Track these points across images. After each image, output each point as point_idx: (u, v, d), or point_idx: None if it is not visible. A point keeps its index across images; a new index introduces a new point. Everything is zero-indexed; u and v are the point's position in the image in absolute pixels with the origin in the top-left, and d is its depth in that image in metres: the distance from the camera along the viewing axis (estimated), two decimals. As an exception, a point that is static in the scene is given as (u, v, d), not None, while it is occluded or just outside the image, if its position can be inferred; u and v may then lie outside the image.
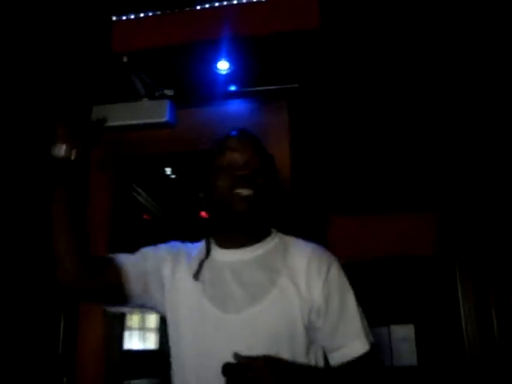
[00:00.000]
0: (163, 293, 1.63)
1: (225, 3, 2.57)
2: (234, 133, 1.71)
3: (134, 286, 1.60)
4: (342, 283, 1.55)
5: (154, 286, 1.63)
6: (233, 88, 3.03)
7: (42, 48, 2.80)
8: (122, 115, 2.77)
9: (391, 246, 2.74)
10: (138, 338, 5.61)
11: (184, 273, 1.61)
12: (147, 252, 1.69)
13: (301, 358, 1.48)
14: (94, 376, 2.90)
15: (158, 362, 5.10)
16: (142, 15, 2.68)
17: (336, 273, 1.55)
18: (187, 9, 2.62)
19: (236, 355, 1.37)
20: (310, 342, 1.51)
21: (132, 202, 3.81)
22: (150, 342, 5.63)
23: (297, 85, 2.93)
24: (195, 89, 3.00)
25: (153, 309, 1.71)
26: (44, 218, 2.87)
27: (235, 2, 2.56)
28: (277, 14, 2.50)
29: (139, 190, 4.25)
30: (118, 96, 2.87)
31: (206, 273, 1.58)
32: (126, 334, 5.35)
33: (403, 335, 2.68)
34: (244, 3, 2.55)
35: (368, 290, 2.64)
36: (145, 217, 5.08)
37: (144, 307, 1.71)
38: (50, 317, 2.92)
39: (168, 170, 4.27)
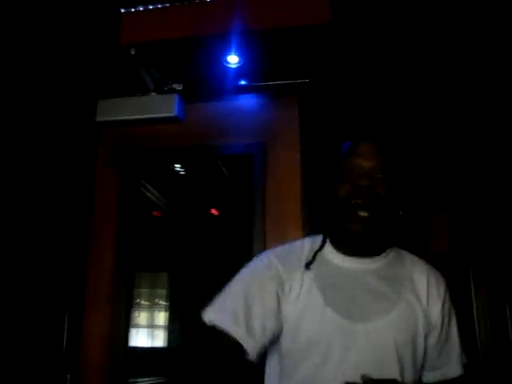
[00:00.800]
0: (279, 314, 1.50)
1: (235, -4, 2.53)
2: (362, 137, 1.59)
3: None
4: (451, 304, 1.59)
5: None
6: (242, 82, 2.97)
7: (49, 41, 2.76)
8: (131, 109, 2.75)
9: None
10: (147, 336, 5.59)
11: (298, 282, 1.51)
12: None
13: (419, 373, 1.50)
14: (98, 373, 2.87)
15: (166, 359, 5.08)
16: (150, 7, 2.64)
17: (448, 295, 1.59)
18: (197, 1, 2.58)
19: (363, 377, 1.35)
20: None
21: (141, 198, 3.78)
22: (159, 340, 5.61)
23: (308, 80, 2.87)
24: (204, 83, 2.96)
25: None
26: (45, 216, 2.87)
27: (246, -5, 2.52)
28: (288, 8, 2.46)
29: (148, 186, 4.22)
30: (127, 90, 2.83)
31: (325, 276, 1.52)
32: (134, 332, 5.34)
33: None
34: (255, -4, 2.50)
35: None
36: (155, 214, 5.06)
37: None
38: (55, 313, 2.91)
39: (177, 166, 4.24)
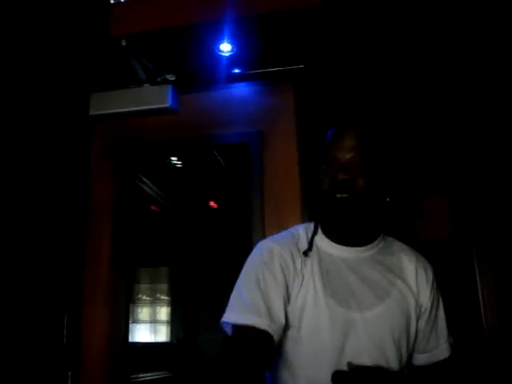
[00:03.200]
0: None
1: (226, -18, 2.48)
2: (341, 128, 1.57)
3: None
4: (438, 290, 1.64)
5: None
6: (236, 71, 2.94)
7: (39, 35, 2.73)
8: (124, 102, 2.73)
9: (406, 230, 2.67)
10: (150, 331, 5.58)
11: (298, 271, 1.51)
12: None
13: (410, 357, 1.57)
14: (99, 369, 2.85)
15: (169, 354, 5.07)
16: (140, -3, 2.60)
17: (435, 280, 1.64)
18: (187, -11, 2.54)
19: (349, 364, 1.39)
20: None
21: (137, 192, 3.75)
22: (161, 335, 5.60)
23: (302, 65, 2.84)
24: (198, 73, 2.93)
25: None
26: (40, 213, 2.84)
27: (237, -19, 2.48)
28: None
29: (145, 180, 4.19)
30: (119, 82, 2.81)
31: (321, 265, 1.53)
32: (137, 327, 5.33)
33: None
34: (245, -19, 2.46)
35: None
36: (152, 208, 5.04)
37: None
38: (54, 311, 2.89)
39: (174, 159, 4.21)
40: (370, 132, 1.55)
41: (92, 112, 2.74)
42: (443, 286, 2.56)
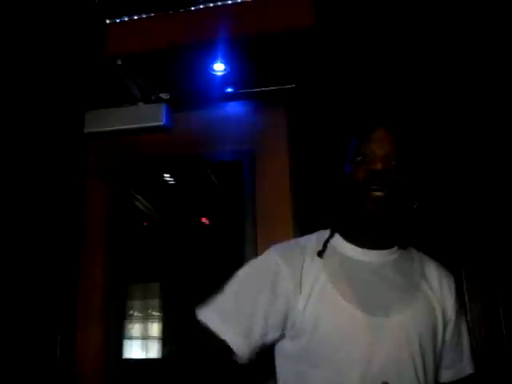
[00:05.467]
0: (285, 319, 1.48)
1: (219, 3, 2.53)
2: (377, 124, 1.60)
3: None
4: (461, 304, 1.62)
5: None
6: (229, 90, 2.97)
7: (35, 53, 2.76)
8: (118, 120, 2.75)
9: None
10: (141, 347, 5.55)
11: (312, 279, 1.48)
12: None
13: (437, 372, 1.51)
14: (92, 385, 2.84)
15: (161, 370, 5.05)
16: (135, 17, 2.64)
17: (457, 294, 1.61)
18: (181, 10, 2.58)
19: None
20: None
21: (131, 208, 3.76)
22: (153, 351, 5.57)
23: (294, 85, 2.88)
24: (191, 91, 2.96)
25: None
26: (34, 229, 2.85)
27: (230, 3, 2.52)
28: (271, 13, 2.45)
29: (138, 197, 4.21)
30: (114, 100, 2.84)
31: (339, 269, 1.50)
32: (128, 343, 5.30)
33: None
34: (238, 3, 2.51)
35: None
36: (145, 224, 5.05)
37: None
38: (47, 328, 2.88)
39: (167, 176, 4.23)
40: (404, 131, 1.59)
41: (87, 129, 2.76)
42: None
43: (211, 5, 2.53)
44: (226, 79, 2.83)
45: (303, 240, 1.62)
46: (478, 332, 2.53)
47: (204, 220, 5.26)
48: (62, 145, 3.11)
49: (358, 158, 1.52)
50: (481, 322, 2.54)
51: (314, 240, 1.59)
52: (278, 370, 1.54)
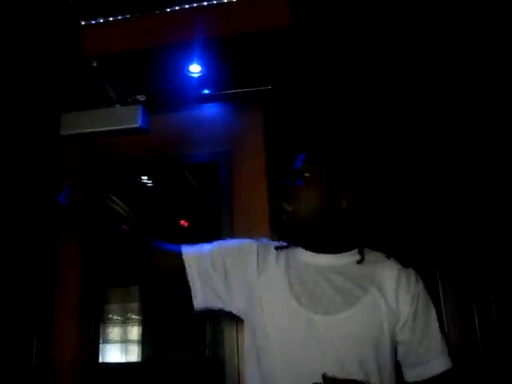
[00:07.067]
0: (245, 290, 1.65)
1: (195, 5, 2.53)
2: (301, 158, 1.71)
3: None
4: (427, 300, 1.62)
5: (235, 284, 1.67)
6: (206, 91, 2.98)
7: (8, 54, 2.74)
8: (94, 122, 2.74)
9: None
10: (120, 351, 5.52)
11: (271, 269, 1.64)
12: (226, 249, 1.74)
13: (387, 370, 1.52)
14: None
15: (140, 374, 5.02)
16: (111, 19, 2.63)
17: (423, 289, 1.62)
18: (157, 11, 2.58)
19: (323, 376, 1.37)
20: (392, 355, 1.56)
21: (107, 210, 3.74)
22: (133, 355, 5.54)
23: (270, 87, 2.89)
24: (168, 93, 2.96)
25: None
26: (9, 232, 2.81)
27: (205, 4, 2.52)
28: (247, 15, 2.46)
29: (115, 199, 4.18)
30: (90, 102, 2.82)
31: (292, 269, 1.62)
32: (107, 347, 5.27)
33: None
34: (214, 4, 2.51)
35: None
36: (123, 227, 5.01)
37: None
38: (24, 331, 2.86)
39: (144, 178, 4.22)
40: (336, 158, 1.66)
41: (62, 132, 2.74)
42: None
43: (187, 6, 2.54)
44: (202, 81, 2.84)
45: (274, 243, 1.76)
46: (454, 331, 2.55)
47: (183, 222, 5.25)
48: (37, 147, 3.09)
49: (282, 189, 1.69)
50: (456, 324, 2.56)
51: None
52: (245, 366, 1.67)
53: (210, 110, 3.10)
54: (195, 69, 2.73)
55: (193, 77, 2.79)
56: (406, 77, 2.83)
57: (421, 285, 1.61)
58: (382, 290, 1.55)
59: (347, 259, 1.62)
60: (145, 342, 5.45)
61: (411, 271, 1.64)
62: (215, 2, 2.51)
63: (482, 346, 2.51)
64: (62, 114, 2.75)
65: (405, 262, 2.61)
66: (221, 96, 3.01)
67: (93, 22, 2.65)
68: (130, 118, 2.71)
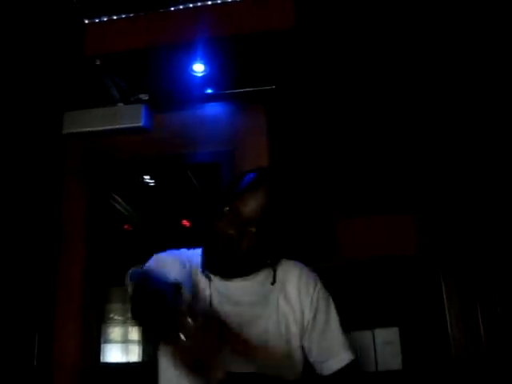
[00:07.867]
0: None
1: (199, 4, 2.53)
2: (247, 181, 1.67)
3: None
4: (327, 298, 1.65)
5: None
6: (209, 91, 2.97)
7: (12, 53, 2.74)
8: (97, 121, 2.74)
9: (374, 248, 2.71)
10: (121, 351, 5.51)
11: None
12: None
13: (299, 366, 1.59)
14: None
15: (141, 375, 5.01)
16: (114, 17, 2.63)
17: (322, 289, 1.65)
18: (161, 10, 2.58)
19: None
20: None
21: (110, 210, 3.74)
22: (133, 355, 5.53)
23: (274, 86, 2.88)
24: (171, 92, 2.95)
25: None
26: (12, 230, 2.81)
27: (210, 3, 2.52)
28: (251, 15, 2.47)
29: (118, 199, 4.19)
30: (93, 101, 2.82)
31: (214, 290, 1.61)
32: (108, 347, 5.26)
33: (388, 339, 2.64)
34: (218, 4, 2.51)
35: (351, 293, 2.62)
36: (126, 227, 5.02)
37: None
38: (26, 330, 2.85)
39: (146, 178, 4.21)
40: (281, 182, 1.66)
41: (65, 130, 2.75)
42: (410, 301, 2.63)
43: (191, 5, 2.53)
44: (205, 80, 2.84)
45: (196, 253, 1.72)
46: (457, 332, 2.55)
47: (185, 222, 5.24)
48: (40, 145, 3.09)
49: (226, 210, 1.62)
50: (459, 322, 2.56)
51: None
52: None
53: (213, 110, 3.10)
54: (199, 68, 2.73)
55: (196, 76, 2.78)
56: (406, 77, 2.83)
57: (319, 284, 1.65)
58: (287, 298, 1.61)
59: (255, 278, 1.62)
60: (145, 341, 5.44)
61: (309, 275, 1.67)
62: (219, 1, 2.51)
63: (486, 344, 2.51)
64: (64, 113, 2.76)
65: (409, 265, 2.66)
66: (224, 95, 3.01)
67: (96, 21, 2.65)
68: (133, 116, 2.71)
